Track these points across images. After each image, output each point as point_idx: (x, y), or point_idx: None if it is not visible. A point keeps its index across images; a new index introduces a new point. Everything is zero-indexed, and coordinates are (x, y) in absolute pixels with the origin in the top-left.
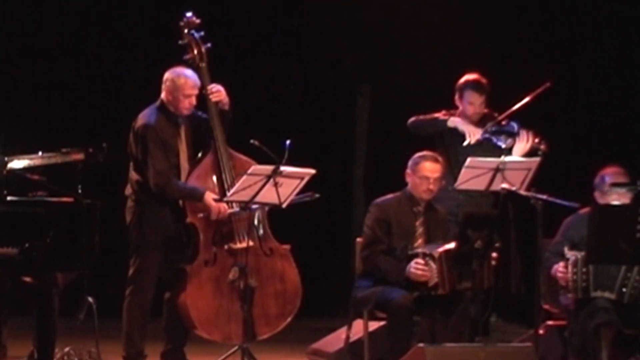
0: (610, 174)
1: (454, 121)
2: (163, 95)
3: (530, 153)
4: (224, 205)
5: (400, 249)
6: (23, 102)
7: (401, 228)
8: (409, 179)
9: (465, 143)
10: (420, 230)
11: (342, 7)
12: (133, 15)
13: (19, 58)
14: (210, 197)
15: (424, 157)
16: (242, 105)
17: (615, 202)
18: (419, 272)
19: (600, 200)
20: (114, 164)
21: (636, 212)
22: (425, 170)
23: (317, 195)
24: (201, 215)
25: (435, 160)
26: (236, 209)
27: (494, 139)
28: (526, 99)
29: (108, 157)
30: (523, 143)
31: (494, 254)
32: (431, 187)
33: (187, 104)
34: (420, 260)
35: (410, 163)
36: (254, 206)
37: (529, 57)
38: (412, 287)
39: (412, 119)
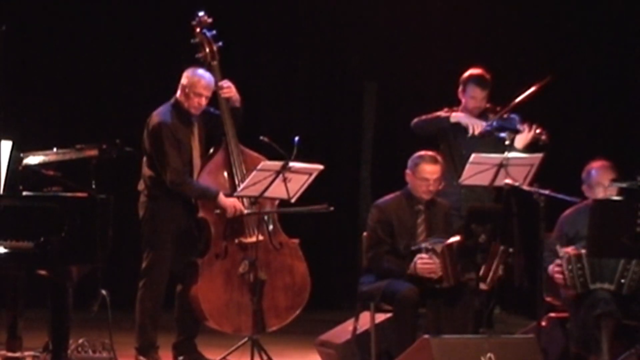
0: (597, 167)
1: (457, 116)
2: (178, 93)
3: (531, 143)
4: (239, 204)
5: (403, 247)
6: (38, 99)
7: (403, 227)
8: (408, 179)
9: (469, 135)
10: (421, 227)
11: (348, 5)
12: (147, 14)
13: (34, 55)
14: (223, 197)
15: (423, 159)
16: (253, 103)
17: (601, 196)
18: (427, 267)
19: (588, 194)
20: (127, 160)
21: (636, 206)
22: (425, 172)
23: (331, 209)
24: (218, 211)
25: (435, 161)
26: (249, 210)
27: (496, 133)
28: (527, 92)
29: (121, 153)
30: (524, 133)
31: (505, 257)
32: (431, 188)
33: (196, 103)
34: (423, 255)
35: (409, 163)
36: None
37: (533, 53)
38: (417, 282)
39: (415, 120)
